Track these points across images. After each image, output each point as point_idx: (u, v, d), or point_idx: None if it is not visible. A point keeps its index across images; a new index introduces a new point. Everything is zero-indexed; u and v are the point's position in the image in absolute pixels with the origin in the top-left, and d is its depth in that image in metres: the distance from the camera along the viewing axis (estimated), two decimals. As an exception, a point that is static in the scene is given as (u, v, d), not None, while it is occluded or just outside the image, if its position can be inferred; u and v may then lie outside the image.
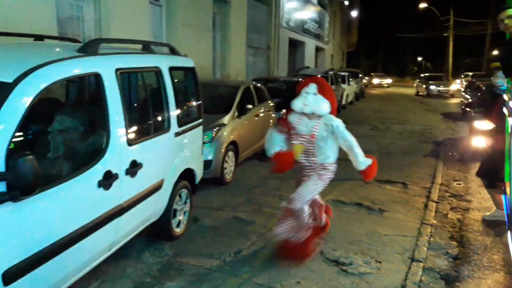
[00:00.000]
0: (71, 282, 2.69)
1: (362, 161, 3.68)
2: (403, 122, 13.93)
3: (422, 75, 31.28)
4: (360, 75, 23.36)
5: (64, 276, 2.59)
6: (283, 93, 9.97)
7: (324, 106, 3.59)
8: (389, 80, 38.14)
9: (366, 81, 33.88)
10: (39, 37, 3.76)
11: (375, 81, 36.65)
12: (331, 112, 3.68)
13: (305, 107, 3.59)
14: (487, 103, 8.98)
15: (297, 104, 3.65)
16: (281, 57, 17.37)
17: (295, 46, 20.74)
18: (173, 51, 4.34)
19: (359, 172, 3.73)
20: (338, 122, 3.66)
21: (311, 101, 3.57)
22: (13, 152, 2.08)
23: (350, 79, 18.78)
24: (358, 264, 3.78)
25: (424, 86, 26.77)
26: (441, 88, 25.90)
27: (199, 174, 4.53)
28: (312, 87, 3.62)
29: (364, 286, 3.44)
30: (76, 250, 2.58)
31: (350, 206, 5.37)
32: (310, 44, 22.76)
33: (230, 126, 6.17)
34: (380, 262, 3.85)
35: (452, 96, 25.23)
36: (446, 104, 21.08)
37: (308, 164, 3.74)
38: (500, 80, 4.72)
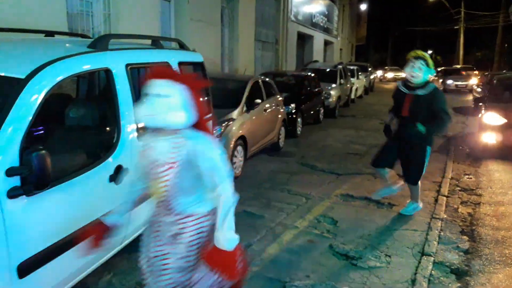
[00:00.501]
0: (83, 275, 2.74)
1: (228, 237, 2.01)
2: (412, 116, 13.80)
3: (438, 69, 28.89)
4: (370, 69, 23.15)
5: (77, 270, 2.63)
6: (292, 88, 9.97)
7: (175, 115, 1.96)
8: (404, 74, 37.04)
9: (380, 75, 33.18)
10: (49, 33, 3.80)
11: (389, 75, 35.75)
12: (199, 126, 2.07)
13: (147, 118, 1.99)
14: (498, 97, 8.88)
15: (140, 112, 2.00)
16: (290, 51, 17.29)
17: (303, 40, 20.65)
18: (182, 46, 4.35)
19: (209, 253, 2.03)
20: (207, 144, 2.04)
21: (156, 107, 1.95)
22: (26, 147, 2.11)
23: (359, 73, 18.66)
24: (367, 258, 3.78)
25: (440, 80, 25.10)
26: (459, 82, 24.44)
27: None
28: (157, 85, 1.98)
29: (373, 280, 3.44)
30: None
31: (359, 200, 5.36)
32: (319, 38, 22.64)
33: (239, 121, 6.17)
34: (389, 256, 3.84)
35: (471, 91, 23.41)
36: (460, 99, 20.26)
37: (166, 217, 2.13)
38: (416, 69, 4.20)
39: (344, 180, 6.24)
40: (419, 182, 4.72)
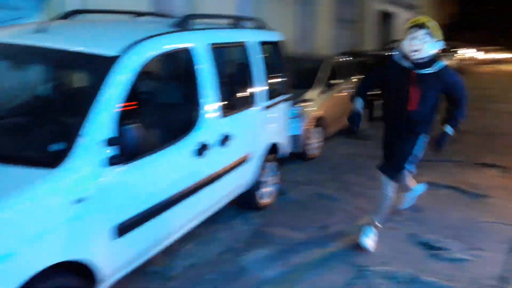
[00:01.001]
0: (170, 241, 2.92)
1: None
2: (508, 101, 12.57)
3: None
4: (458, 49, 21.33)
5: (165, 235, 2.81)
6: (372, 68, 9.56)
7: None
8: (509, 55, 32.28)
9: (473, 55, 29.75)
10: (139, 14, 4.00)
11: (486, 56, 31.88)
12: None
13: None
14: None
15: None
16: (370, 30, 16.56)
17: (385, 18, 19.60)
18: (261, 26, 4.35)
19: None
20: None
21: None
22: (122, 120, 2.27)
23: (447, 54, 17.33)
24: (451, 250, 3.56)
25: None
26: None
27: (285, 149, 4.55)
28: None
29: (457, 273, 3.24)
30: (174, 212, 2.77)
31: (446, 189, 5.03)
32: (402, 15, 21.33)
33: (317, 102, 6.08)
34: (476, 250, 3.57)
35: None
36: None
37: None
38: (417, 40, 3.17)
39: (430, 166, 5.84)
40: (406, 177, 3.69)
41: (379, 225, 3.62)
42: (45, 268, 1.92)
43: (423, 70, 3.26)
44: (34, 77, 3.24)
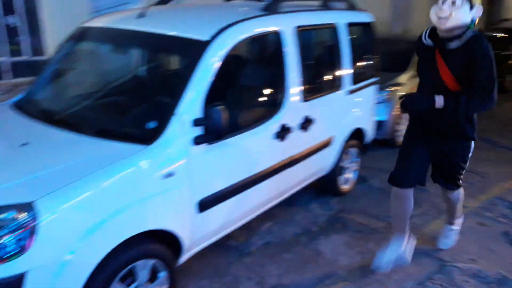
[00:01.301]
0: (248, 219, 3.05)
1: None
2: None
3: None
4: None
5: (243, 213, 2.94)
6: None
7: None
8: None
9: None
10: (227, -2, 4.13)
11: None
12: None
13: None
14: None
15: None
16: (476, 7, 14.97)
17: (495, -6, 17.61)
18: (351, 6, 4.21)
19: None
20: None
21: None
22: (209, 102, 2.40)
23: None
24: (553, 253, 3.22)
25: None
26: None
27: (370, 135, 4.43)
28: None
29: (559, 279, 2.93)
30: (253, 191, 2.88)
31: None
32: (517, -10, 18.96)
33: (407, 86, 5.74)
34: None
35: None
36: None
37: None
38: (447, 5, 2.50)
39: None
40: (461, 190, 3.19)
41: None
42: (138, 234, 2.15)
43: (448, 45, 2.62)
44: (134, 59, 3.53)
